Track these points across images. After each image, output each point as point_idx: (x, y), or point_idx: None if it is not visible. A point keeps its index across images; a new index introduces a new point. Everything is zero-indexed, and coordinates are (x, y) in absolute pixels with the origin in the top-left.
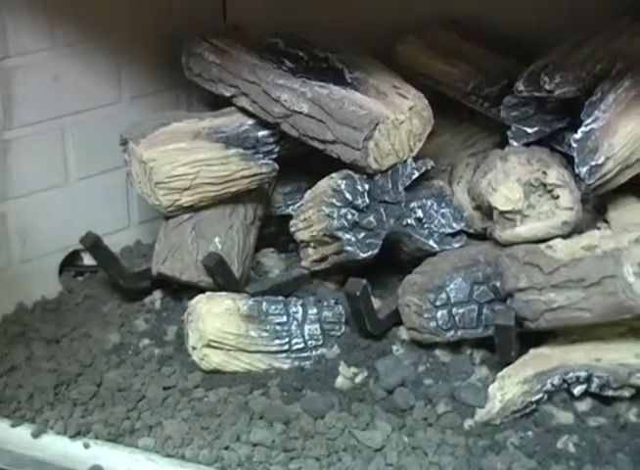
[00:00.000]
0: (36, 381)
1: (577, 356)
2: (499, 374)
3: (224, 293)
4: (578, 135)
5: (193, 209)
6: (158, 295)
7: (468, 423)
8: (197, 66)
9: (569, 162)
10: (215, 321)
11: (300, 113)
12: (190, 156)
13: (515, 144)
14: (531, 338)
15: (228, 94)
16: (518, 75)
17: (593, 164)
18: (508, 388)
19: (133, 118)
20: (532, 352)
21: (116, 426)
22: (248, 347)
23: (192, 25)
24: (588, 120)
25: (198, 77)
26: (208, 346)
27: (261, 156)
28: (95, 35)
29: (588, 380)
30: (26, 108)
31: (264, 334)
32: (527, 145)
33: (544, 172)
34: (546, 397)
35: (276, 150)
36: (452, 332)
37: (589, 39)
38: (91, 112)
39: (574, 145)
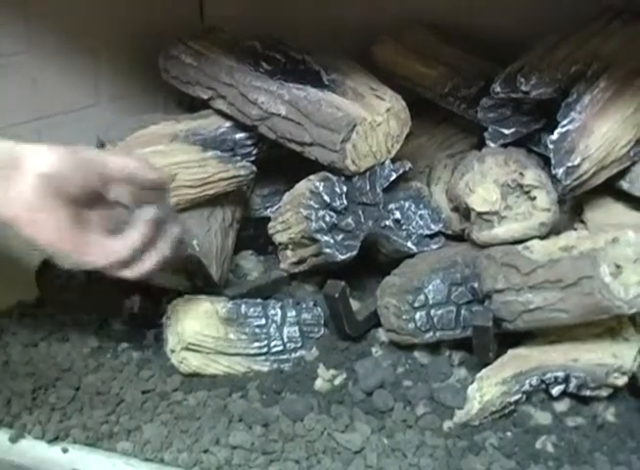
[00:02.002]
0: (14, 385)
1: (555, 357)
2: (478, 375)
3: (203, 296)
4: (554, 136)
5: None
6: (136, 298)
7: (447, 424)
8: (174, 68)
9: (545, 163)
10: (194, 324)
11: (278, 115)
12: (167, 158)
13: (492, 145)
14: (510, 339)
15: (205, 96)
16: (495, 77)
17: (569, 165)
18: (486, 389)
19: (110, 121)
20: (511, 352)
21: (95, 430)
22: (227, 349)
23: (169, 28)
24: (564, 122)
25: (175, 80)
26: (187, 349)
27: (239, 158)
28: (72, 38)
29: (566, 380)
30: (3, 111)
31: (243, 337)
32: (505, 146)
33: (521, 173)
34: (525, 397)
35: (254, 152)
36: (431, 333)
37: (565, 41)
38: (68, 114)
39: (551, 146)
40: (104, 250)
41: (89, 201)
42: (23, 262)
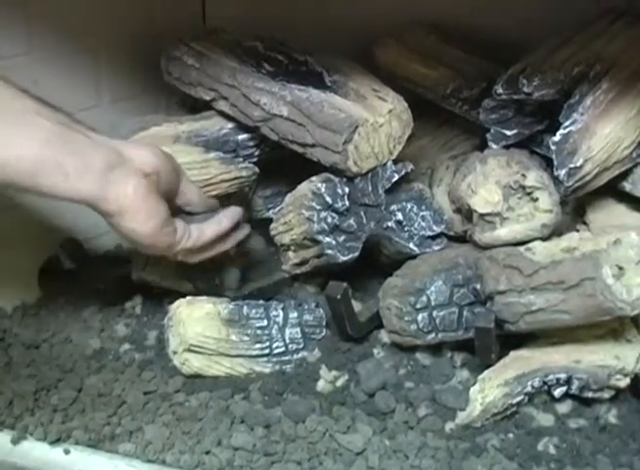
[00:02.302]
0: (16, 387)
1: (557, 358)
2: (480, 377)
3: (204, 297)
4: (557, 138)
5: None
6: (138, 300)
7: (449, 426)
8: (176, 69)
9: (548, 164)
10: (196, 326)
11: (280, 116)
12: None
13: (494, 147)
14: (512, 340)
15: (207, 98)
16: (497, 78)
17: (572, 166)
18: (489, 390)
19: (112, 123)
20: (513, 354)
21: (97, 432)
22: (229, 351)
23: (171, 29)
24: (566, 123)
25: (177, 81)
26: (189, 350)
27: (241, 159)
28: (73, 40)
29: (568, 382)
30: None
31: (245, 338)
32: (507, 147)
33: (523, 175)
34: (527, 399)
35: (256, 153)
36: (433, 335)
37: (568, 42)
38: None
39: (553, 147)
40: (189, 237)
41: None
42: (26, 263)
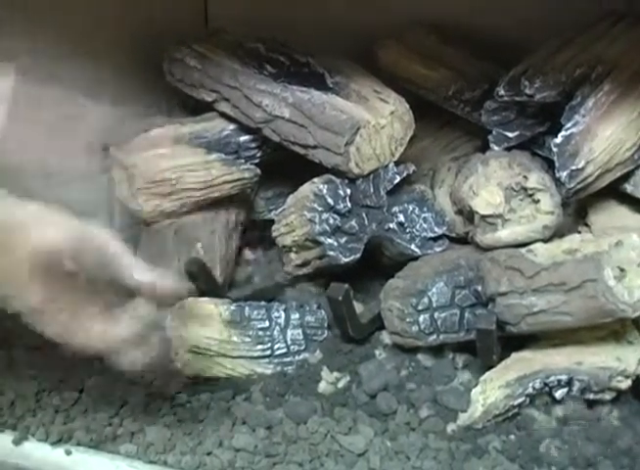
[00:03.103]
0: (17, 387)
1: (559, 360)
2: (481, 378)
3: (206, 298)
4: (558, 139)
5: (175, 214)
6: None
7: (450, 427)
8: (178, 71)
9: (549, 166)
10: (198, 327)
11: (282, 118)
12: (171, 161)
13: (495, 148)
14: (513, 342)
15: (209, 99)
16: (498, 80)
17: (573, 168)
18: (490, 391)
19: (114, 125)
20: (514, 355)
21: (98, 432)
22: (230, 352)
23: (173, 30)
24: (568, 125)
25: (179, 83)
26: (191, 351)
27: (243, 161)
28: (73, 41)
29: (569, 383)
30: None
31: (247, 339)
32: (508, 149)
33: (525, 176)
34: (528, 400)
35: (258, 155)
36: (434, 336)
37: (569, 44)
38: (73, 118)
39: (555, 149)
40: (97, 337)
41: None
42: None
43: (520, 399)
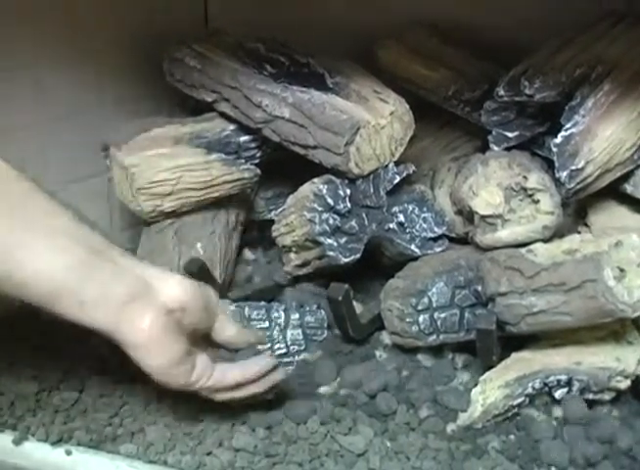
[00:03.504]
0: (17, 388)
1: (558, 360)
2: (481, 378)
3: None
4: (558, 139)
5: (175, 214)
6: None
7: (450, 427)
8: (178, 71)
9: (549, 166)
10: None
11: (282, 118)
12: (172, 161)
13: (495, 148)
14: (513, 342)
15: (209, 99)
16: (498, 80)
17: (573, 168)
18: (490, 391)
19: (114, 124)
20: (514, 355)
21: (98, 432)
22: None
23: (173, 31)
24: (568, 125)
25: (179, 83)
26: None
27: (243, 161)
28: (75, 41)
29: (569, 383)
30: (8, 114)
31: None
32: (508, 149)
33: (525, 177)
34: (528, 400)
35: (258, 155)
36: (434, 336)
37: (569, 44)
38: (72, 118)
39: (554, 149)
40: (208, 378)
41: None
42: None
43: (519, 400)
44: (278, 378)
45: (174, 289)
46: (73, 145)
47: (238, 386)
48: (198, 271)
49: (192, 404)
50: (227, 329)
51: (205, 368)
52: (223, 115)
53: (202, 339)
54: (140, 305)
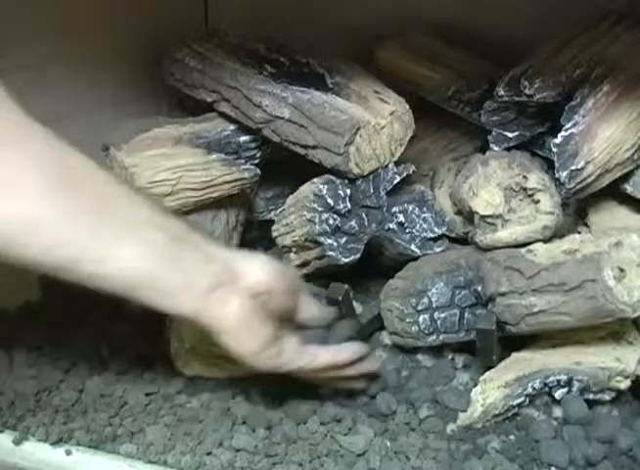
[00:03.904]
0: (17, 387)
1: (558, 360)
2: (481, 378)
3: None
4: (558, 140)
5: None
6: None
7: (450, 427)
8: (178, 71)
9: (549, 166)
10: (198, 329)
11: (282, 118)
12: (171, 161)
13: (495, 148)
14: (513, 342)
15: (209, 99)
16: (498, 80)
17: (573, 168)
18: (489, 391)
19: (114, 124)
20: (514, 355)
21: (98, 432)
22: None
23: (173, 30)
24: (568, 125)
25: (179, 83)
26: (191, 352)
27: (243, 161)
28: (74, 41)
29: (569, 383)
30: None
31: None
32: (508, 149)
33: (525, 177)
34: (528, 400)
35: (258, 155)
36: (434, 336)
37: (569, 44)
38: (73, 118)
39: (555, 149)
40: (299, 360)
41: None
42: None
43: (519, 400)
44: (371, 368)
45: (259, 272)
46: (73, 145)
47: (329, 369)
48: None
49: (192, 404)
50: (310, 308)
51: (295, 350)
52: (223, 115)
53: (288, 320)
54: (226, 290)
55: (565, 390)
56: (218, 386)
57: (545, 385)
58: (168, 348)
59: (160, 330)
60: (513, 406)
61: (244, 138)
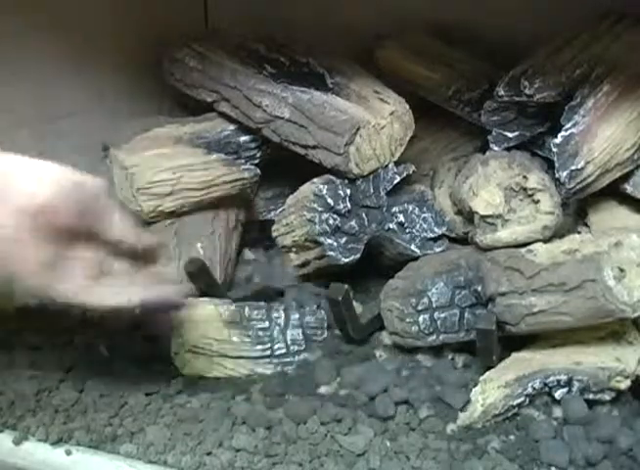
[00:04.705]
0: (17, 387)
1: (558, 360)
2: (481, 378)
3: (206, 298)
4: (558, 140)
5: (175, 214)
6: None
7: (450, 427)
8: (178, 71)
9: (549, 166)
10: (198, 327)
11: (282, 118)
12: (172, 161)
13: (495, 148)
14: (514, 342)
15: (209, 99)
16: (498, 80)
17: (573, 168)
18: (489, 392)
19: (114, 124)
20: (514, 355)
21: (98, 432)
22: (230, 352)
23: (173, 30)
24: (568, 125)
25: (179, 83)
26: (191, 352)
27: (243, 161)
28: (75, 40)
29: (569, 383)
30: (9, 112)
31: (246, 339)
32: (508, 149)
33: (525, 177)
34: (528, 400)
35: (258, 155)
36: (434, 336)
37: (569, 44)
38: (72, 117)
39: (555, 149)
40: (75, 291)
41: (77, 236)
42: None
43: (519, 400)
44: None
45: (40, 188)
46: (74, 145)
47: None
48: (197, 271)
49: (192, 404)
50: (117, 227)
51: (78, 281)
52: (223, 115)
53: (90, 240)
54: None
55: (565, 390)
56: (218, 386)
57: (545, 385)
58: (168, 347)
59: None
60: (513, 406)
61: (244, 138)
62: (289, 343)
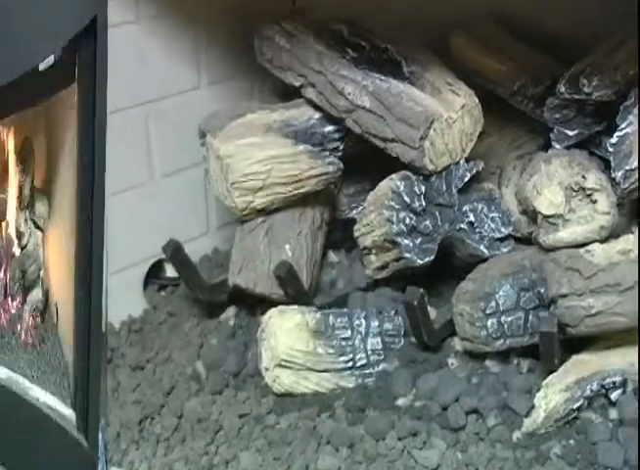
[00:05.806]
0: (122, 415)
1: (614, 361)
2: (543, 382)
3: (294, 306)
4: (614, 139)
5: (265, 212)
6: (232, 311)
7: (516, 435)
8: (268, 50)
9: (606, 166)
10: (287, 338)
11: (362, 107)
12: (263, 151)
13: (557, 146)
14: (573, 344)
15: (297, 83)
16: (559, 76)
17: (627, 168)
18: (551, 396)
19: (211, 106)
20: (574, 358)
21: (196, 463)
22: (315, 365)
23: (261, 8)
24: (623, 125)
25: (269, 63)
26: (280, 366)
27: (328, 153)
28: (175, 12)
29: (624, 384)
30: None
31: (330, 350)
32: (568, 148)
33: (584, 176)
34: (586, 403)
35: (341, 147)
36: (501, 341)
37: (625, 43)
38: (172, 98)
39: (611, 149)
40: None
41: None
42: (130, 273)
43: (579, 403)
44: None
45: None
46: (174, 130)
47: None
48: (286, 275)
49: (280, 425)
50: None
51: None
52: (309, 101)
53: None
54: None
55: (620, 391)
56: (304, 403)
57: (602, 387)
58: (259, 363)
59: (253, 342)
60: (573, 410)
61: (328, 128)
62: (369, 352)
